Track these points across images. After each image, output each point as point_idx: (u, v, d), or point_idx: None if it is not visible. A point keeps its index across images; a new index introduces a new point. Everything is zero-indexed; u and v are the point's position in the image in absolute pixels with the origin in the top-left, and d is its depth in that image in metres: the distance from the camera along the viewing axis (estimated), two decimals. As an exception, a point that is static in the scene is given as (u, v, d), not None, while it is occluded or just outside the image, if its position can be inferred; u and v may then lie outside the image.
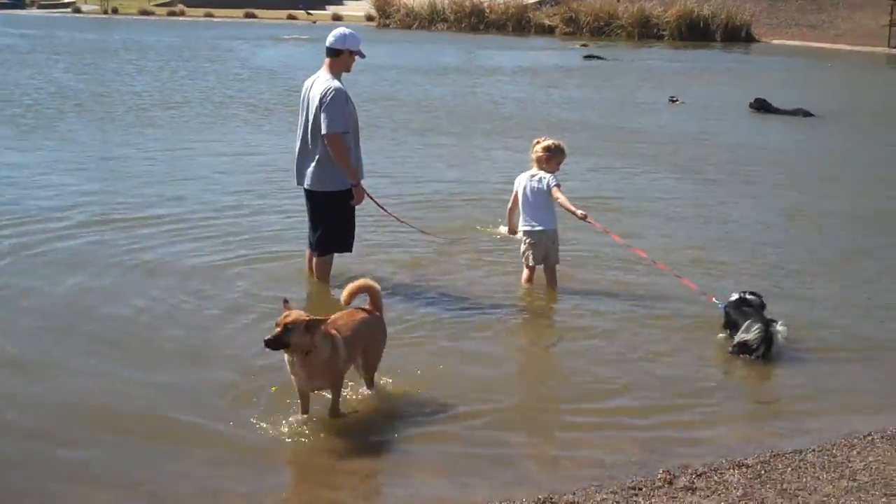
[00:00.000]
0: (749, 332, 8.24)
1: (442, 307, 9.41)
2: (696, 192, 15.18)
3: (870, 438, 6.78)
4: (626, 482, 6.09)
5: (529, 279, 10.06)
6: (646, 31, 57.36)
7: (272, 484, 6.07)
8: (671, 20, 56.92)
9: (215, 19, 70.72)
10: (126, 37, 46.08)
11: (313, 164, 9.46)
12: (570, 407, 7.32)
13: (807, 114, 24.74)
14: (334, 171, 9.40)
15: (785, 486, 6.05)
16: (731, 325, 8.55)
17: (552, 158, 9.93)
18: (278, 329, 6.41)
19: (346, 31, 9.60)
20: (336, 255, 9.87)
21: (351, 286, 7.15)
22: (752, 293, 8.82)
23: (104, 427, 6.69)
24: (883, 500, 5.88)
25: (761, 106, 25.25)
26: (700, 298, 9.29)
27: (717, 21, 56.72)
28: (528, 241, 9.93)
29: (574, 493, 5.92)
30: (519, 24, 61.80)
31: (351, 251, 9.96)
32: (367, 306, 7.24)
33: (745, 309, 8.55)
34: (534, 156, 9.97)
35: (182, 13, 75.68)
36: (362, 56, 9.70)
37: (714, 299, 9.11)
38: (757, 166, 17.61)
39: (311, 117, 9.40)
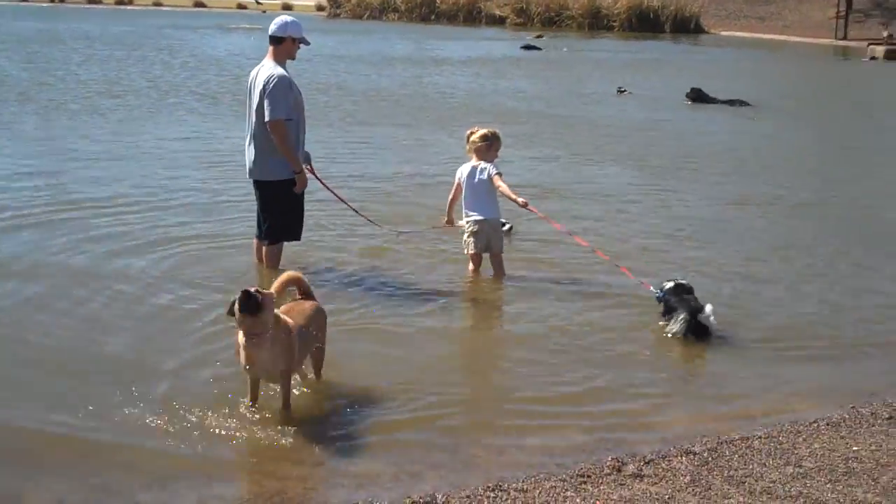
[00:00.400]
0: (676, 324, 8.44)
1: (387, 296, 9.39)
2: (639, 181, 15.32)
3: (815, 425, 6.84)
4: (575, 470, 6.09)
5: (475, 269, 10.05)
6: (596, 21, 57.73)
7: (220, 476, 6.01)
8: (621, 11, 57.36)
9: (164, 8, 70.18)
10: (73, 26, 45.52)
11: (258, 153, 9.43)
12: (517, 395, 7.32)
13: (743, 103, 25.24)
14: (279, 160, 9.37)
15: (732, 472, 6.08)
16: (670, 311, 8.66)
17: (491, 147, 9.94)
18: (253, 290, 6.33)
19: (288, 18, 9.63)
20: (286, 243, 9.79)
21: (279, 280, 7.06)
22: (681, 280, 8.97)
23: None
24: (828, 486, 5.92)
25: (697, 96, 25.71)
26: (639, 287, 9.34)
27: (666, 13, 57.15)
28: (469, 230, 9.92)
29: (523, 481, 5.91)
30: (470, 15, 61.96)
31: (299, 239, 9.91)
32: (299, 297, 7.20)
33: (685, 296, 8.66)
34: (471, 146, 9.98)
35: (130, 2, 75.04)
36: (306, 43, 9.69)
37: (651, 287, 9.16)
38: (700, 156, 17.77)
39: (255, 106, 9.36)
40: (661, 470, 6.11)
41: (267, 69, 9.36)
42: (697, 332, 8.37)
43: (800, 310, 9.38)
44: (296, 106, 9.42)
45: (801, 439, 6.60)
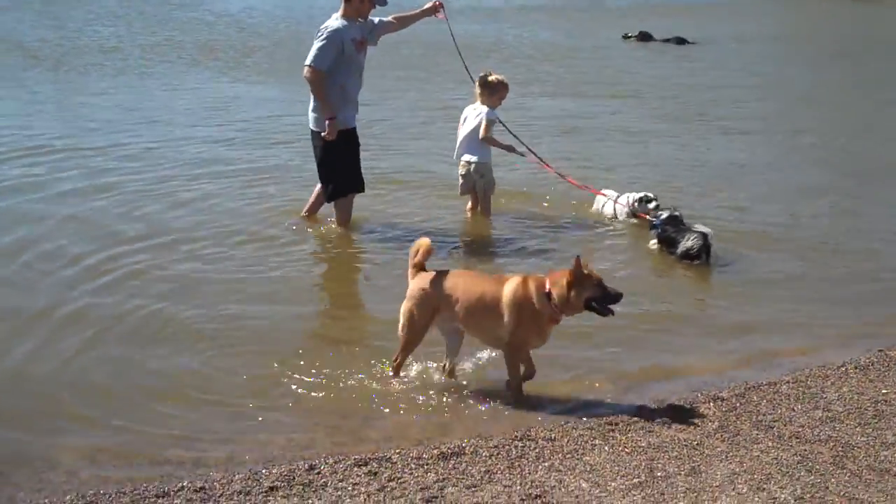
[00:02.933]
0: (689, 241, 8.89)
1: (392, 241, 9.51)
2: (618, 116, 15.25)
3: (843, 369, 6.82)
4: (603, 418, 6.09)
5: (472, 207, 10.31)
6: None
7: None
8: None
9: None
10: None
11: (311, 104, 9.49)
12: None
13: (681, 41, 27.03)
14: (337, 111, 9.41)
15: (760, 417, 6.07)
16: (668, 241, 9.16)
17: (493, 93, 10.00)
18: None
19: None
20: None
21: (424, 248, 6.53)
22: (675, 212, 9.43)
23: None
24: (857, 429, 5.91)
25: (644, 37, 27.47)
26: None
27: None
28: (460, 171, 10.10)
29: (551, 430, 5.92)
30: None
31: (363, 191, 9.91)
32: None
33: (680, 225, 9.16)
34: (477, 90, 10.04)
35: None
36: (382, 3, 9.63)
37: (648, 217, 9.55)
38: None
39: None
40: (689, 416, 6.10)
41: (330, 21, 9.38)
42: (708, 251, 8.88)
43: (821, 254, 9.35)
44: (347, 64, 9.36)
45: (829, 383, 6.58)
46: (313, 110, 9.44)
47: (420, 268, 6.44)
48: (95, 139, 13.54)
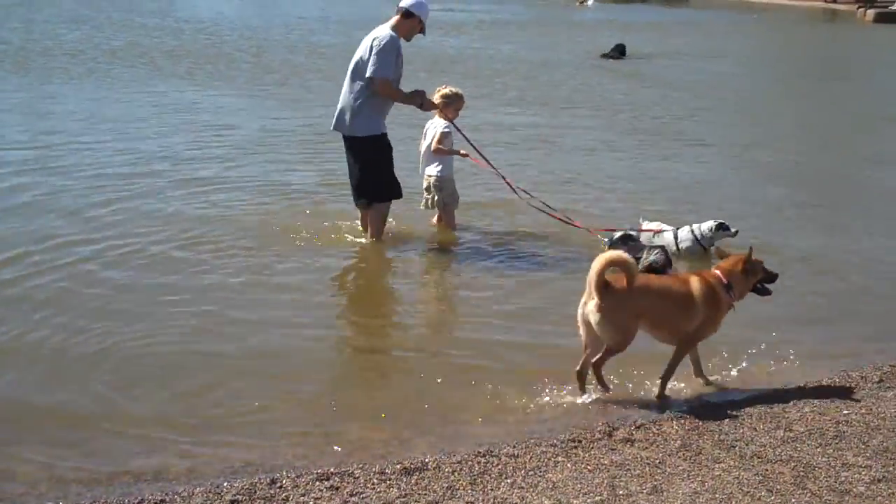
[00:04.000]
0: (653, 255, 9.03)
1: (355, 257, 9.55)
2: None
3: (805, 389, 6.84)
4: (566, 434, 6.10)
5: (438, 220, 10.37)
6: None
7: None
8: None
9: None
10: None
11: (352, 109, 9.48)
12: (505, 361, 7.31)
13: (622, 53, 27.33)
14: (373, 117, 9.49)
15: (722, 436, 6.09)
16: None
17: (448, 105, 10.09)
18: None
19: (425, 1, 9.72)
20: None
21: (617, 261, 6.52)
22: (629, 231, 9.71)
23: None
24: (818, 449, 5.93)
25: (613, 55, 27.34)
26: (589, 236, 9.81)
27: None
28: (423, 185, 10.18)
29: (514, 446, 5.92)
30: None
31: (401, 196, 9.93)
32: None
33: (630, 243, 9.32)
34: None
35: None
36: (423, 33, 9.80)
37: (598, 234, 9.68)
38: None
39: (358, 63, 9.48)
40: (651, 434, 6.11)
41: (381, 30, 9.48)
42: (670, 264, 9.08)
43: (786, 273, 9.39)
44: (394, 74, 9.49)
45: (791, 403, 6.61)
46: (357, 117, 9.44)
47: (606, 280, 6.45)
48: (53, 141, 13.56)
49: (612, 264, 6.44)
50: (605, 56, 27.00)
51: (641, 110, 18.77)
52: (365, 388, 6.89)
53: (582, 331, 6.67)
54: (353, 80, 9.50)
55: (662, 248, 9.20)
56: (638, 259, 9.07)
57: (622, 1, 50.01)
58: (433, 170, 10.06)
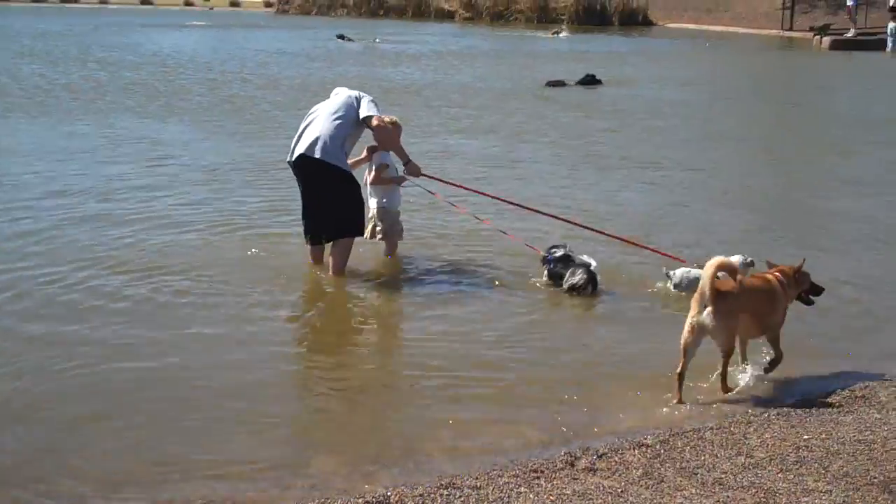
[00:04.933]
0: (575, 276, 9.23)
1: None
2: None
3: (766, 415, 6.88)
4: (528, 465, 6.09)
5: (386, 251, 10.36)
6: (544, 15, 57.60)
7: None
8: (569, 5, 57.27)
9: (111, 6, 69.42)
10: (19, 24, 45.07)
11: (328, 142, 9.49)
12: (466, 391, 7.30)
13: (593, 80, 27.63)
14: (344, 155, 9.65)
15: (684, 464, 6.10)
16: (556, 277, 9.46)
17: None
18: None
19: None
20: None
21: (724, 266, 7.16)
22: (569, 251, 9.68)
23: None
24: (779, 475, 5.95)
25: (557, 83, 27.35)
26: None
27: (613, 5, 57.26)
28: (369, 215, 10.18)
29: (477, 478, 5.90)
30: (418, 9, 61.66)
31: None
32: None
33: (570, 262, 9.44)
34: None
35: (76, 0, 74.19)
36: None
37: (541, 252, 9.75)
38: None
39: (338, 107, 9.65)
40: (613, 463, 6.12)
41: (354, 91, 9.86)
42: (594, 283, 9.24)
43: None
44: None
45: (752, 429, 6.64)
46: (333, 148, 9.45)
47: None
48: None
49: (720, 270, 7.05)
50: (550, 84, 27.22)
51: (595, 136, 18.90)
52: (326, 421, 6.87)
53: (689, 338, 7.11)
54: (331, 119, 9.52)
55: (587, 266, 9.30)
56: (561, 276, 9.37)
57: (587, 31, 50.32)
58: (375, 201, 10.10)
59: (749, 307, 7.26)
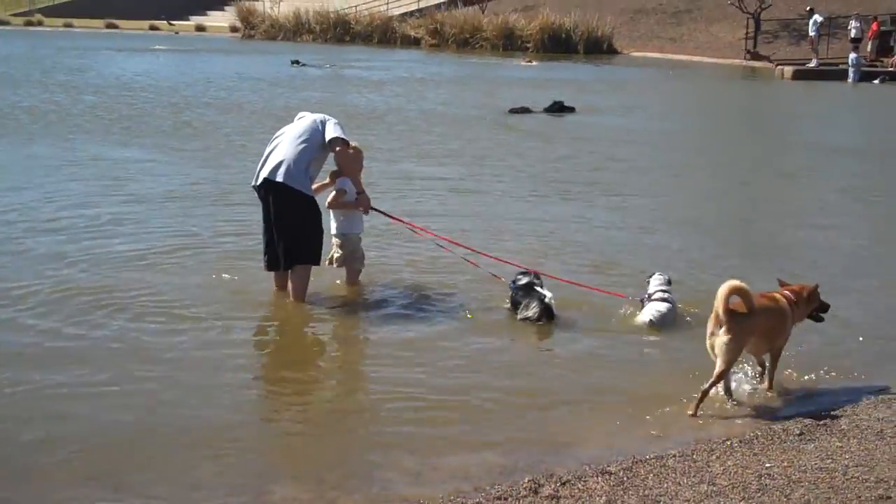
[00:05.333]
0: (529, 310, 9.26)
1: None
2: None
3: (728, 443, 6.90)
4: (492, 492, 6.08)
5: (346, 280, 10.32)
6: (510, 43, 58.03)
7: None
8: (534, 33, 57.70)
9: (75, 29, 69.26)
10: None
11: (292, 164, 9.43)
12: (429, 416, 7.28)
13: (563, 108, 27.79)
14: (308, 178, 9.57)
15: (647, 492, 6.11)
16: (517, 305, 9.44)
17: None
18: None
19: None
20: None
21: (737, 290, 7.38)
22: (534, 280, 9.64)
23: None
24: (741, 503, 5.97)
25: (523, 110, 27.62)
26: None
27: (578, 33, 57.71)
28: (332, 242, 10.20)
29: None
30: (385, 36, 61.96)
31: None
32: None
33: (532, 292, 9.40)
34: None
35: (40, 23, 74.03)
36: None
37: (503, 279, 9.84)
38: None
39: (302, 131, 9.56)
40: (577, 491, 6.11)
41: (320, 115, 9.79)
42: (549, 314, 9.26)
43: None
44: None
45: (714, 457, 6.66)
46: (298, 172, 9.38)
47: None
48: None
49: (733, 292, 7.32)
50: (512, 111, 27.37)
51: (557, 163, 19.01)
52: (288, 447, 6.82)
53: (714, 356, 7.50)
54: (295, 142, 9.46)
55: (542, 299, 9.29)
56: (517, 306, 9.43)
57: (552, 59, 50.60)
58: (334, 227, 10.07)
59: (760, 328, 7.55)
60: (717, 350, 7.42)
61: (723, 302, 7.28)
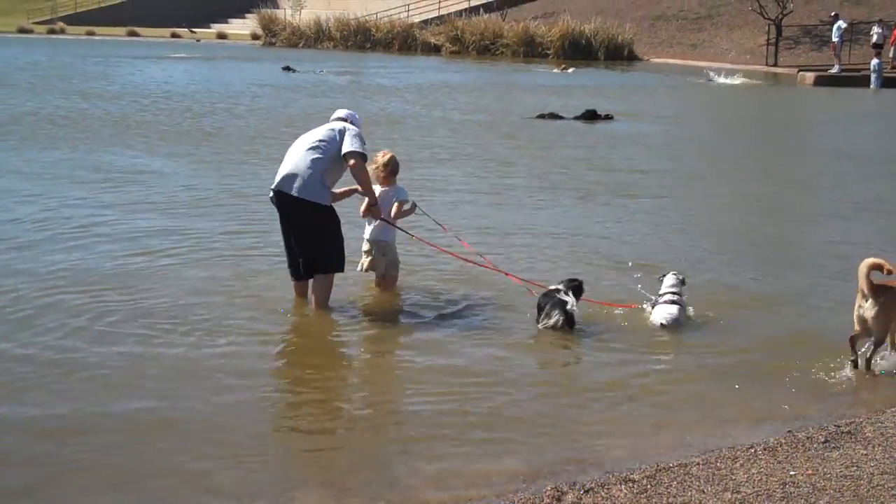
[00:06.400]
0: (550, 318, 9.23)
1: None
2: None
3: (752, 451, 6.86)
4: (515, 500, 6.06)
5: (377, 283, 10.35)
6: (531, 49, 57.98)
7: None
8: (554, 39, 57.66)
9: (96, 37, 69.61)
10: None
11: (306, 176, 9.41)
12: (451, 422, 7.27)
13: (595, 116, 27.42)
14: (327, 188, 9.55)
15: (670, 500, 6.08)
16: (540, 310, 9.41)
17: (394, 174, 10.20)
18: None
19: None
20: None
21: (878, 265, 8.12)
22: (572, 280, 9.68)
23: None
24: (766, 511, 5.95)
25: (552, 115, 27.51)
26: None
27: (598, 40, 57.64)
28: (363, 248, 10.19)
29: (463, 513, 5.89)
30: (405, 43, 62.04)
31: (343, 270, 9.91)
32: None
33: (554, 297, 9.37)
34: (381, 172, 10.14)
35: (62, 31, 74.48)
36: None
37: (534, 293, 9.76)
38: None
39: (319, 141, 9.51)
40: (600, 499, 6.08)
41: (339, 124, 9.70)
42: (570, 322, 9.26)
43: (732, 334, 9.45)
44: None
45: (738, 465, 6.62)
46: (311, 183, 9.36)
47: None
48: None
49: (873, 268, 8.05)
50: (540, 116, 27.36)
51: (577, 168, 18.97)
52: (310, 454, 6.82)
53: (858, 327, 8.28)
54: (309, 152, 9.43)
55: (563, 306, 9.23)
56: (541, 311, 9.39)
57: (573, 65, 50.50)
58: (380, 234, 10.02)
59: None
60: (868, 322, 8.14)
61: (864, 278, 8.04)
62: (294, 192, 9.34)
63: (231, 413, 7.32)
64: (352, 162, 9.40)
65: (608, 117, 27.43)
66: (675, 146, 23.05)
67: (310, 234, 9.49)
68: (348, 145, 9.40)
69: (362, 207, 9.99)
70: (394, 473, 6.47)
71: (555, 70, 48.33)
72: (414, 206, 10.23)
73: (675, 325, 9.36)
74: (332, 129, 9.59)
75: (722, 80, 43.40)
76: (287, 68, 42.19)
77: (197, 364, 8.22)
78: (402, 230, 10.30)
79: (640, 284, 10.10)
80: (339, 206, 9.78)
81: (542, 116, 27.35)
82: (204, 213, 13.80)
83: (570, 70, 48.03)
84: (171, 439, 6.84)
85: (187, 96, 30.09)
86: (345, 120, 9.75)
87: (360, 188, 9.83)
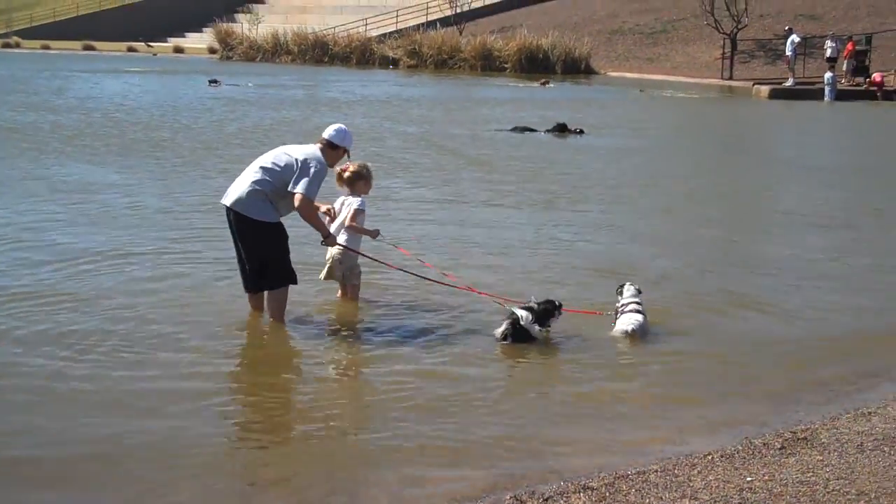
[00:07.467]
0: (497, 329, 9.28)
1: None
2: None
3: (710, 457, 6.90)
4: (474, 509, 6.08)
5: (340, 295, 10.37)
6: (488, 63, 58.22)
7: None
8: (512, 53, 57.95)
9: (52, 51, 69.15)
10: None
11: (249, 191, 9.32)
12: (411, 433, 7.25)
13: (565, 129, 27.61)
14: (269, 206, 9.38)
15: (629, 507, 6.12)
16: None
17: (361, 181, 10.16)
18: None
19: (348, 130, 9.81)
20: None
21: None
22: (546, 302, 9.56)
23: None
24: (723, 517, 5.99)
25: (525, 129, 27.82)
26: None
27: (555, 54, 57.98)
28: (326, 256, 10.14)
29: (421, 523, 5.89)
30: (363, 57, 62.10)
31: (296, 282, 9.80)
32: None
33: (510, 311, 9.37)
34: (345, 180, 10.15)
35: (17, 45, 73.95)
36: (348, 156, 9.82)
37: (505, 306, 9.67)
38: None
39: (275, 164, 9.36)
40: (558, 507, 6.11)
41: (310, 150, 9.49)
42: (522, 336, 9.18)
43: (689, 342, 9.51)
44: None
45: (696, 472, 6.66)
46: (256, 201, 9.27)
47: None
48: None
49: None
50: (516, 130, 27.66)
51: (540, 181, 19.02)
52: (271, 466, 6.76)
53: None
54: (259, 171, 9.35)
55: (513, 321, 9.21)
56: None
57: (530, 79, 50.68)
58: (339, 242, 9.96)
59: None
60: None
61: None
62: (237, 208, 9.32)
63: (189, 426, 7.27)
64: (296, 204, 9.27)
65: (579, 132, 27.53)
66: (632, 157, 23.20)
67: (253, 247, 9.43)
68: (297, 185, 9.21)
69: (347, 217, 10.00)
70: (355, 485, 6.47)
71: (535, 84, 48.53)
72: (378, 233, 10.13)
73: (640, 333, 9.42)
74: (294, 158, 9.37)
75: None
76: (213, 81, 42.11)
77: (153, 376, 8.16)
78: (366, 256, 10.22)
79: (597, 293, 10.16)
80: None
81: (515, 129, 27.58)
82: (148, 225, 13.79)
83: (550, 85, 48.28)
84: (126, 451, 6.77)
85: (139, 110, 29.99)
86: (328, 142, 9.59)
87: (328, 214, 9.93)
